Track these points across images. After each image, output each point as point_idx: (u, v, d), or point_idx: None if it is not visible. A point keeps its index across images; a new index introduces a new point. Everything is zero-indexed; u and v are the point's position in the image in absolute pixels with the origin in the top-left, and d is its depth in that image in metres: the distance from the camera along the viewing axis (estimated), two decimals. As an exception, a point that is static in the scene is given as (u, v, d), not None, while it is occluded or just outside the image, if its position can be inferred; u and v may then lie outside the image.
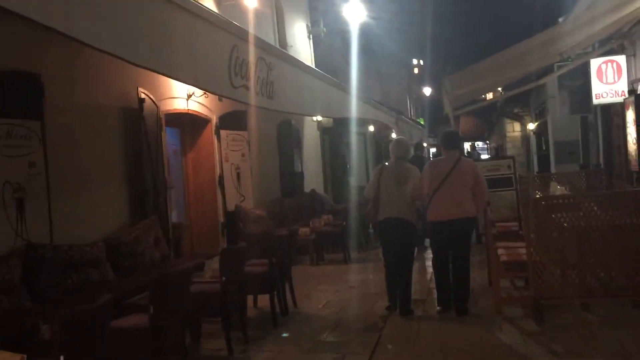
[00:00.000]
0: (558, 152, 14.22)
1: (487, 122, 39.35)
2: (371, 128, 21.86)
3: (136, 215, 6.96)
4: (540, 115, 16.88)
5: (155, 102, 7.61)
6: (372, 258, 10.19)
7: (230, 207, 9.62)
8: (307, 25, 15.47)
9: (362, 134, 22.16)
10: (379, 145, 24.64)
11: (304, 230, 9.59)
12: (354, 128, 19.21)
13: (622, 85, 9.12)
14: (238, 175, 9.99)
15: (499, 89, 13.20)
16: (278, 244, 6.08)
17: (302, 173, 14.15)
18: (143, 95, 7.08)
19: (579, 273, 5.35)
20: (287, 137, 13.20)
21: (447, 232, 6.01)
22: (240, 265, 5.72)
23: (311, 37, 15.76)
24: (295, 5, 14.65)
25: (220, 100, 9.71)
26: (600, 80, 9.27)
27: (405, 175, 6.19)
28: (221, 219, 9.53)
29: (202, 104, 9.07)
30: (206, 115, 9.29)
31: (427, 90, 33.08)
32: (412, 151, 7.88)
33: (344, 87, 9.12)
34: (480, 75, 8.64)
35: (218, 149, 9.56)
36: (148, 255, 6.46)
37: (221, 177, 9.55)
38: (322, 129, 16.23)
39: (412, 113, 30.71)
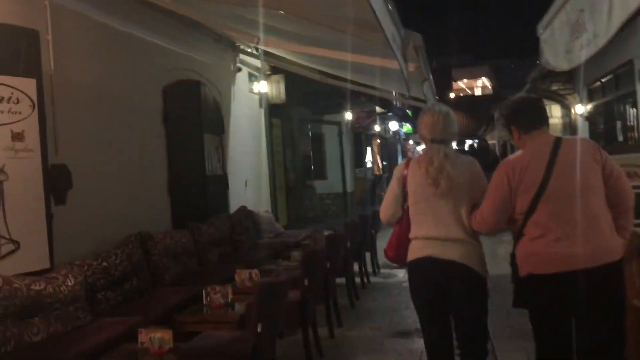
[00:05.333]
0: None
1: (480, 117, 34.59)
2: (348, 115, 15.92)
3: None
4: (604, 90, 11.06)
5: None
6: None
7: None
8: None
9: (336, 123, 16.21)
10: (358, 139, 18.67)
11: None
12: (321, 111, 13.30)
13: None
14: (-3, 188, 3.86)
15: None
16: None
17: (224, 177, 8.05)
18: None
19: None
20: (190, 112, 7.12)
21: (570, 301, 2.75)
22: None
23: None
24: None
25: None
26: None
27: (458, 176, 2.98)
28: None
29: None
30: None
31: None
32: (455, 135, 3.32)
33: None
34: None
35: None
36: None
37: None
38: (270, 107, 10.15)
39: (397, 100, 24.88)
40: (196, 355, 3.43)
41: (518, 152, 2.97)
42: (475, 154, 18.71)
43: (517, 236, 2.93)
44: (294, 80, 10.24)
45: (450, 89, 45.05)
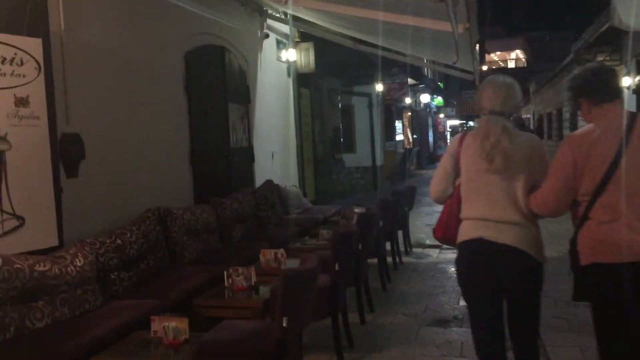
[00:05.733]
0: None
1: None
2: (379, 87, 15.36)
3: None
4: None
5: None
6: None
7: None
8: None
9: (366, 94, 15.68)
10: (388, 111, 18.08)
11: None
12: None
13: None
14: (-2, 158, 3.52)
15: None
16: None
17: (250, 149, 7.67)
18: None
19: None
20: (214, 79, 6.71)
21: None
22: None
23: None
24: None
25: None
26: None
27: (516, 153, 2.69)
28: None
29: None
30: None
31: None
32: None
33: None
34: None
35: None
36: None
37: None
38: (298, 77, 9.68)
39: (428, 71, 24.02)
40: (214, 348, 3.06)
41: (585, 127, 2.66)
42: None
43: (581, 220, 2.60)
44: (323, 49, 9.75)
45: (483, 61, 43.76)
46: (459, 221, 2.89)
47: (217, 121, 6.74)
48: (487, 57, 46.95)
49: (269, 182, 7.56)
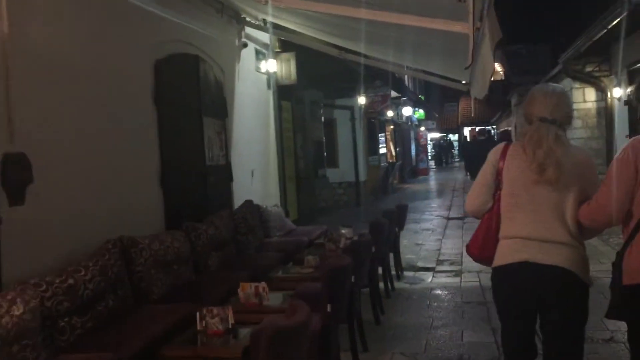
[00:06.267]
0: None
1: (494, 104, 34.19)
2: (361, 100, 14.90)
3: None
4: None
5: None
6: None
7: None
8: None
9: (348, 107, 15.19)
10: (371, 125, 17.61)
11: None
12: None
13: None
14: None
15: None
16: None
17: (227, 167, 7.06)
18: None
19: None
20: (188, 91, 6.12)
21: None
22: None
23: None
24: None
25: None
26: None
27: (569, 164, 2.57)
28: None
29: None
30: None
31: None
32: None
33: None
34: None
35: None
36: None
37: None
38: (278, 88, 9.12)
39: (409, 84, 23.66)
40: None
41: None
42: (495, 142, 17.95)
43: (631, 234, 2.50)
44: (305, 61, 9.23)
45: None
46: (498, 239, 2.75)
47: (190, 137, 6.13)
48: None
49: (248, 203, 6.95)
